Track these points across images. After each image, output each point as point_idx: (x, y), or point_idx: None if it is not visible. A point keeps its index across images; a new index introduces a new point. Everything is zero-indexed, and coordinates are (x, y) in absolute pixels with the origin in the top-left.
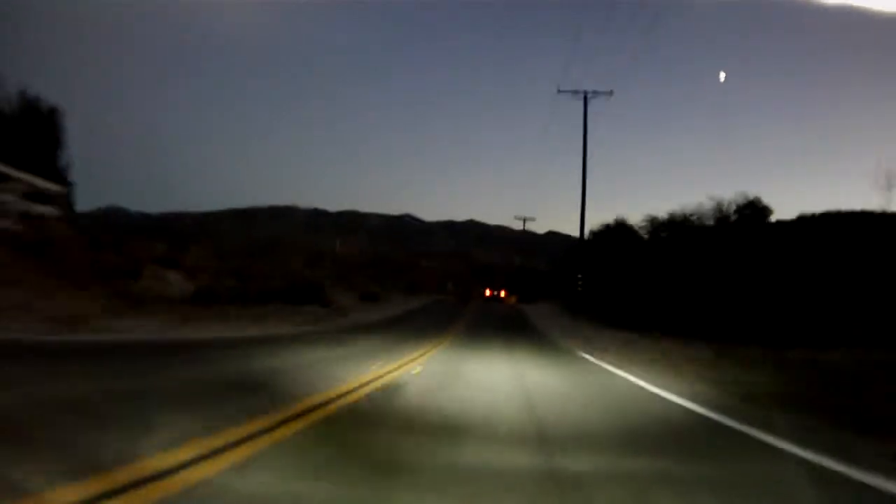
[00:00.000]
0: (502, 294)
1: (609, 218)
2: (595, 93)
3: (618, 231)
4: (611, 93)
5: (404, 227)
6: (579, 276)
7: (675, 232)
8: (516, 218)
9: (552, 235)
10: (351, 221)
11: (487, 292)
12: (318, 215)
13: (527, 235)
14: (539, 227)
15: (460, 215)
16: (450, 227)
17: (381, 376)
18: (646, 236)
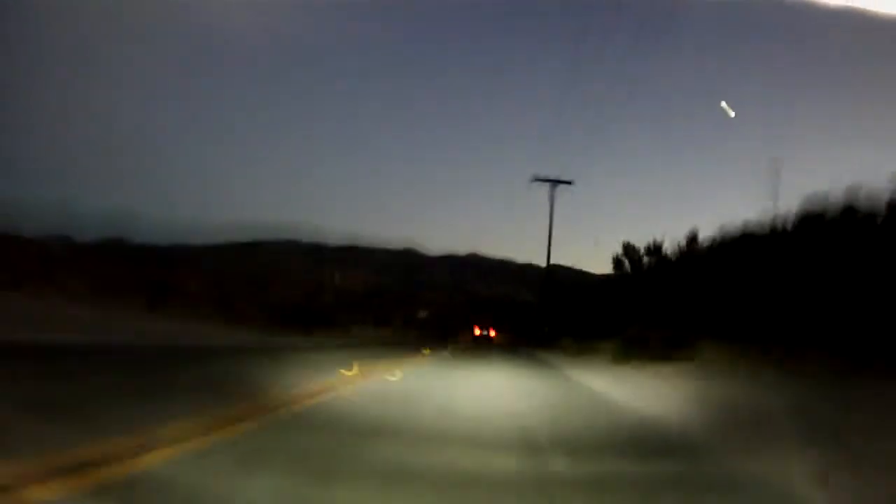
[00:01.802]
0: (492, 333)
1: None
2: (557, 182)
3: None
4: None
5: (407, 261)
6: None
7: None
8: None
9: (554, 268)
10: (353, 255)
11: (477, 331)
12: (319, 248)
13: (529, 268)
14: (542, 261)
15: (462, 248)
16: (451, 260)
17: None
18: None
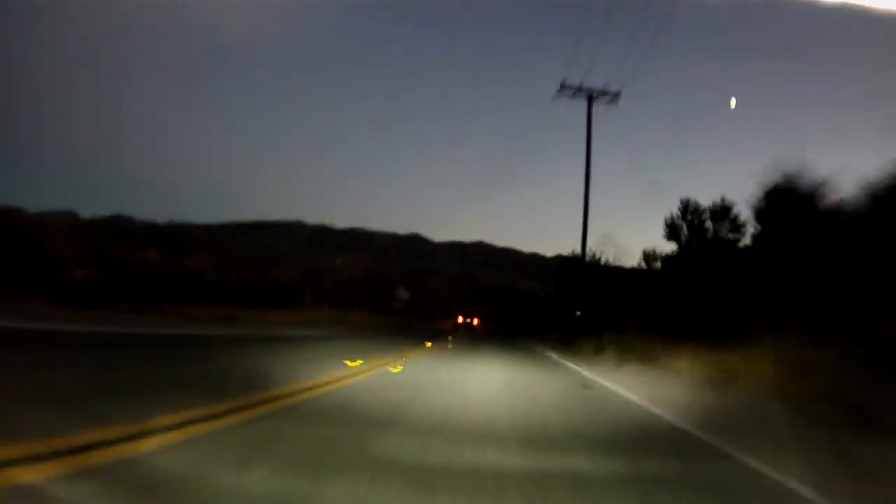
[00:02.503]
0: (475, 322)
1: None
2: (603, 93)
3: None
4: (618, 94)
5: (412, 247)
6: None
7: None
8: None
9: (559, 259)
10: (358, 239)
11: (459, 319)
12: (325, 232)
13: (534, 258)
14: (548, 250)
15: (468, 236)
16: (457, 247)
17: None
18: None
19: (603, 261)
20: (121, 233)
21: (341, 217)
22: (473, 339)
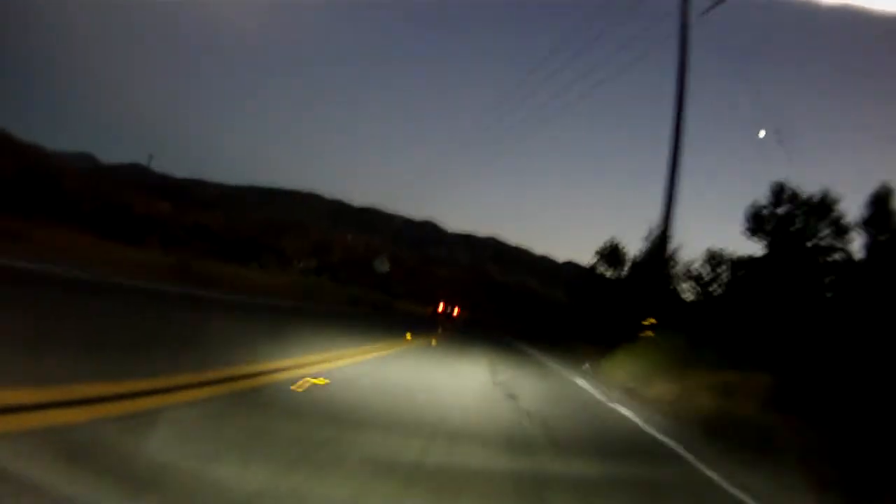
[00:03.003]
0: (455, 312)
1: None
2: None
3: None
4: None
5: (426, 233)
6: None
7: None
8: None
9: (570, 266)
10: (373, 219)
11: (441, 307)
12: (341, 208)
13: (545, 261)
14: (560, 255)
15: (481, 230)
16: (470, 239)
17: None
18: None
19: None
20: (137, 182)
21: (358, 195)
22: (463, 334)
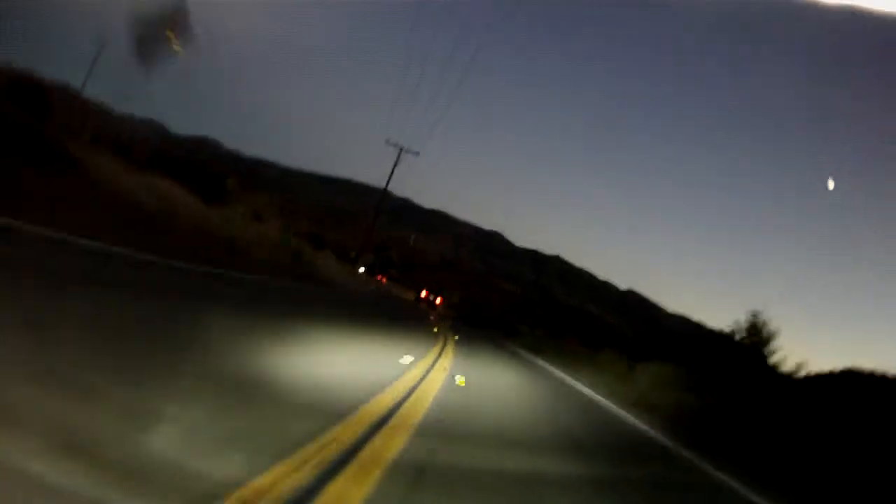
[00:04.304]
0: (438, 301)
1: None
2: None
3: None
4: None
5: (491, 244)
6: None
7: None
8: None
9: (631, 295)
10: (439, 222)
11: (423, 293)
12: (408, 206)
13: (608, 287)
14: (622, 282)
15: (547, 248)
16: (535, 256)
17: None
18: None
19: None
20: (204, 155)
21: (427, 195)
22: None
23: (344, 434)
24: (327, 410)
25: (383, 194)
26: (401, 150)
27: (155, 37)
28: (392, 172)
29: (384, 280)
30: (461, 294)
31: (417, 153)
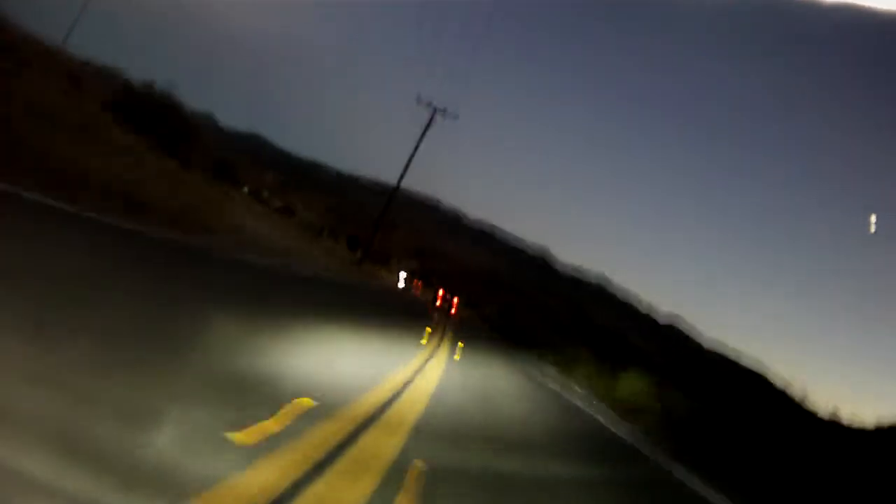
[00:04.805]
0: (454, 302)
1: None
2: None
3: None
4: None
5: (537, 261)
6: None
7: None
8: None
9: (671, 327)
10: (486, 235)
11: (439, 298)
12: (457, 218)
13: (648, 317)
14: (665, 304)
15: (593, 269)
16: (579, 278)
17: None
18: None
19: None
20: (252, 151)
21: (476, 208)
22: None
23: None
24: None
25: (393, 192)
26: (434, 111)
27: None
28: (424, 133)
29: (420, 285)
30: (499, 307)
31: (456, 117)
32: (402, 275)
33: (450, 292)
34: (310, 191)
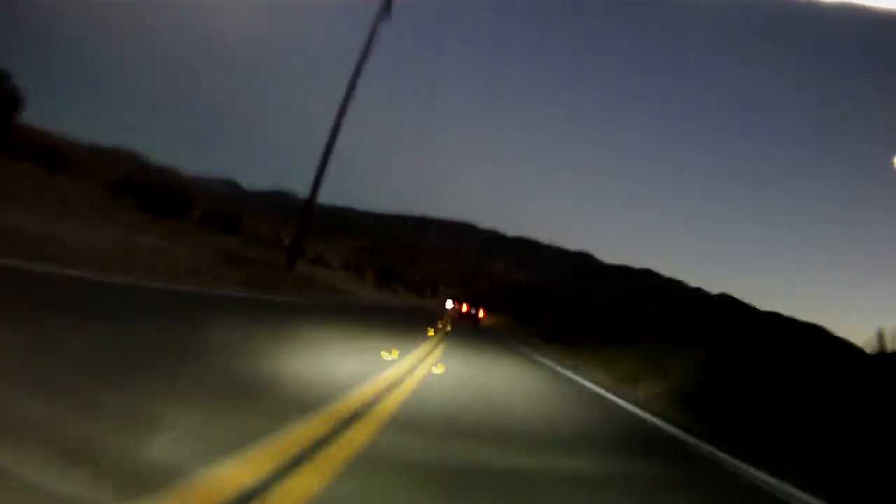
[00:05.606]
0: (481, 314)
1: None
2: None
3: None
4: None
5: (580, 265)
6: None
7: None
8: None
9: (723, 297)
10: (526, 249)
11: (464, 308)
12: (495, 237)
13: (699, 293)
14: (713, 286)
15: (637, 261)
16: (624, 271)
17: None
18: None
19: None
20: (277, 207)
21: (512, 224)
22: None
23: None
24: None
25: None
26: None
27: None
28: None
29: (461, 308)
30: (553, 322)
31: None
32: (449, 303)
33: (497, 310)
34: (342, 235)
